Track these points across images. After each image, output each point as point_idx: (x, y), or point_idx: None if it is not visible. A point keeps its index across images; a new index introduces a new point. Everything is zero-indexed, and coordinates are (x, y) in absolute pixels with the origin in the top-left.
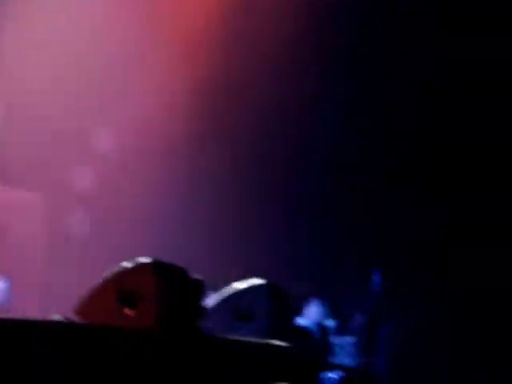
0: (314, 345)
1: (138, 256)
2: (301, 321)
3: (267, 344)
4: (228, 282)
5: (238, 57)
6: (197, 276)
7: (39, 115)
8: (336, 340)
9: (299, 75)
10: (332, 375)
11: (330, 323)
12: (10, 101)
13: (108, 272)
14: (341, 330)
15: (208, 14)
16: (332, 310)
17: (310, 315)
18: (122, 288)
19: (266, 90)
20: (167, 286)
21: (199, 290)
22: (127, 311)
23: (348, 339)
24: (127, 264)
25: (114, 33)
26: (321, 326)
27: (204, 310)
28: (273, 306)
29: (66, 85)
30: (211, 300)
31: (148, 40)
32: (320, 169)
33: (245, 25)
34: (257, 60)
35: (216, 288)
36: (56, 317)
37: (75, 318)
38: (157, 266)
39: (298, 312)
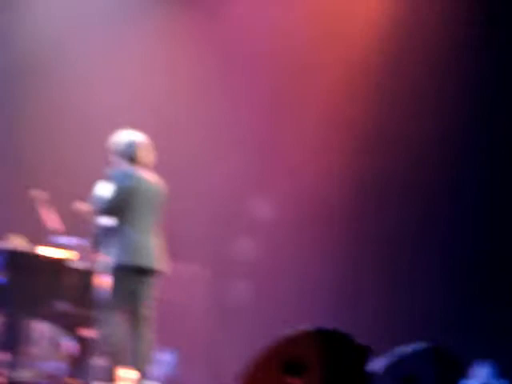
0: None
1: (300, 324)
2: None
3: None
4: (391, 347)
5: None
6: (361, 342)
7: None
8: None
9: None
10: None
11: None
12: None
13: (271, 341)
14: None
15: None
16: (503, 370)
17: (479, 377)
18: (285, 357)
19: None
20: (332, 354)
21: (364, 356)
22: (292, 380)
23: None
24: (290, 332)
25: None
26: None
27: (370, 376)
28: (439, 370)
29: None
30: (375, 365)
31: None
32: None
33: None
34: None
35: (379, 353)
36: None
37: None
38: (320, 333)
39: (466, 374)
